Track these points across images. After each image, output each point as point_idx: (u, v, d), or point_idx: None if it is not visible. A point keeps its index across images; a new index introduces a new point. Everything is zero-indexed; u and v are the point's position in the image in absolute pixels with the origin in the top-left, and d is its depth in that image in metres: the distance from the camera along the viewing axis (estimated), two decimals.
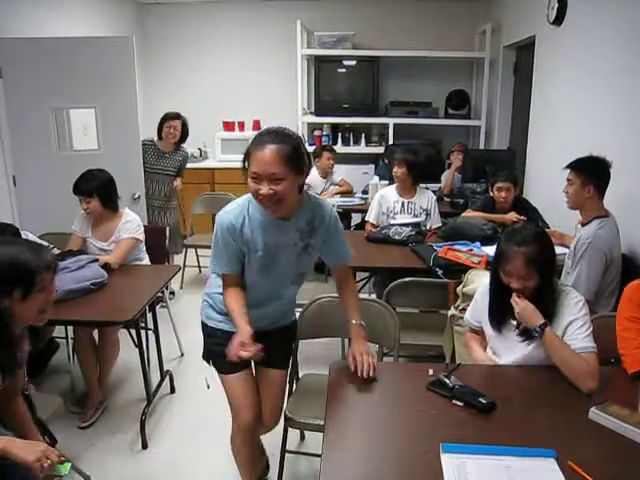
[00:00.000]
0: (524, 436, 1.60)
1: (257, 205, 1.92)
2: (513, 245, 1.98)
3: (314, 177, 5.30)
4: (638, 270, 2.93)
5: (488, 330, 2.10)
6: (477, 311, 2.16)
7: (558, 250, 2.94)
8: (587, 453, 1.53)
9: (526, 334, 1.96)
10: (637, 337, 1.97)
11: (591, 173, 2.82)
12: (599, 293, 2.81)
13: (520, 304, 1.91)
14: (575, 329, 1.87)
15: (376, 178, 5.36)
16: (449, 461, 1.49)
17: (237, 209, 2.00)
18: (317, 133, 6.74)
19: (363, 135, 6.66)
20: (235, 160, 5.96)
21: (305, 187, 1.90)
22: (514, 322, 2.02)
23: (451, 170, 5.52)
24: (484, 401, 1.77)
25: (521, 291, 1.96)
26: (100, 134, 4.37)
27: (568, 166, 2.90)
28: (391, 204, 4.21)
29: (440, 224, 4.18)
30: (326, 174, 5.42)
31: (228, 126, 6.90)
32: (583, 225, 2.87)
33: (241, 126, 6.89)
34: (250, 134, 6.70)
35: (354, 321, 2.09)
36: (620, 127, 3.35)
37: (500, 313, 2.03)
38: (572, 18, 4.15)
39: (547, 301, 1.94)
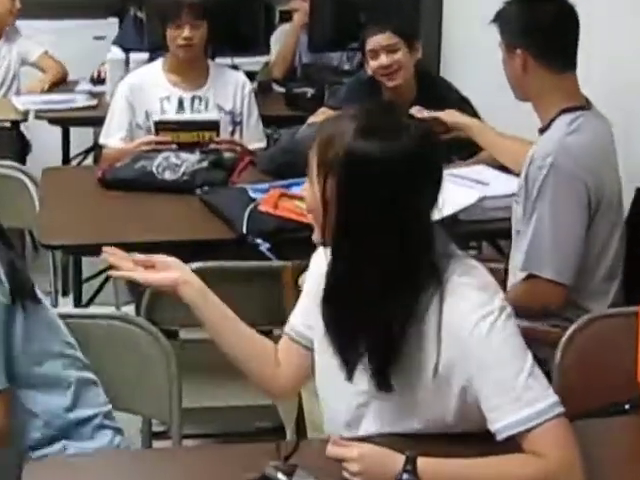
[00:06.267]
0: None
1: None
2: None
3: None
4: None
5: (321, 346, 1.39)
6: (309, 308, 1.45)
7: (484, 191, 2.49)
8: None
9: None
10: None
11: (515, 24, 2.19)
12: (584, 271, 2.05)
13: (350, 454, 1.20)
14: (489, 392, 1.19)
15: (116, 50, 3.78)
16: None
17: None
18: None
19: None
20: None
21: None
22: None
23: (292, 28, 4.03)
24: None
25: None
26: None
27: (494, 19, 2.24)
28: (155, 103, 2.92)
29: (263, 142, 3.05)
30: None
31: None
32: (542, 132, 2.16)
33: None
34: None
35: None
36: None
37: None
38: None
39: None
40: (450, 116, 2.65)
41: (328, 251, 1.28)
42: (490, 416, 1.18)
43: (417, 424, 1.27)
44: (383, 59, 2.66)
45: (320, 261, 1.33)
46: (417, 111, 2.47)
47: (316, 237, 1.26)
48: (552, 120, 2.08)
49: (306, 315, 1.41)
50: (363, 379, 1.24)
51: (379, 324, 1.23)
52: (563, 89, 2.08)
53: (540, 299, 1.85)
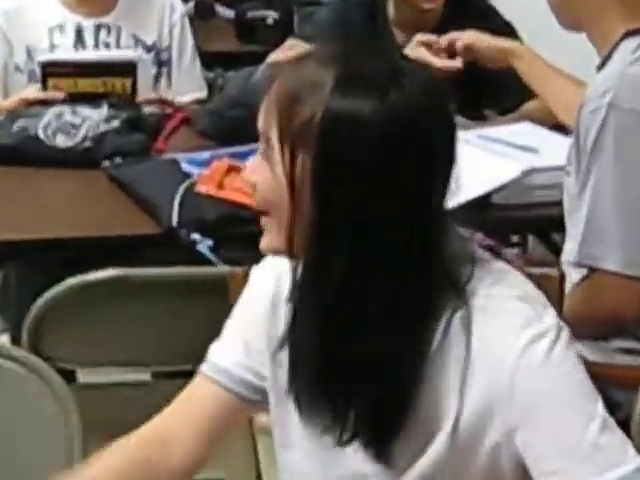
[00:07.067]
0: None
1: None
2: None
3: None
4: None
5: (283, 409, 1.14)
6: (252, 346, 1.19)
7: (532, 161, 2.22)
8: None
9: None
10: None
11: None
12: None
13: None
14: (543, 450, 0.95)
15: None
16: None
17: None
18: None
19: None
20: None
21: None
22: None
23: None
24: None
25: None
26: None
27: None
28: (42, 36, 2.45)
29: (203, 92, 2.61)
30: None
31: None
32: (600, 68, 1.73)
33: None
34: None
35: None
36: None
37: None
38: None
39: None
40: (479, 39, 2.19)
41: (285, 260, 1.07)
42: None
43: None
44: None
45: (267, 278, 1.13)
46: (414, 49, 2.08)
47: (269, 243, 1.03)
48: (612, 50, 1.69)
49: (249, 353, 1.14)
50: (356, 456, 1.02)
51: (374, 363, 0.99)
52: (626, 5, 1.68)
53: (604, 306, 1.51)
